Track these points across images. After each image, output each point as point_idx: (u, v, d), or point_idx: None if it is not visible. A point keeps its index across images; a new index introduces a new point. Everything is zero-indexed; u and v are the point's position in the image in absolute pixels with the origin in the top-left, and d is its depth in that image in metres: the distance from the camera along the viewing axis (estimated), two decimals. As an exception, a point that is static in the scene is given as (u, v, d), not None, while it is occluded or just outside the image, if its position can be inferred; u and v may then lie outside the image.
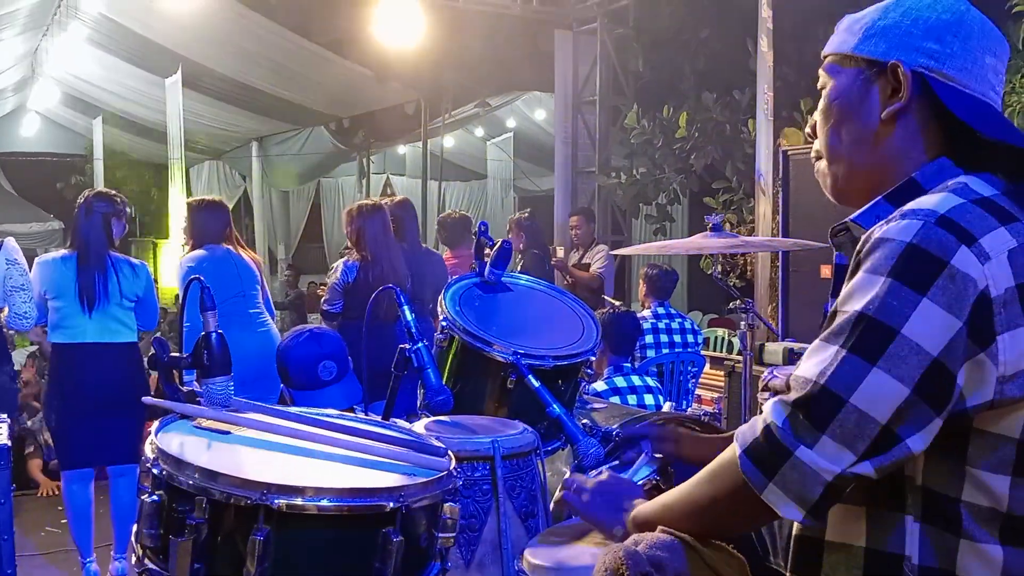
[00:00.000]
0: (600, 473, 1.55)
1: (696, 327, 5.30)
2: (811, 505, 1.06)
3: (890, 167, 1.21)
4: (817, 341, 1.09)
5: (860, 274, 1.07)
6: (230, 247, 4.50)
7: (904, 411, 1.02)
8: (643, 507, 1.36)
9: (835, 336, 1.07)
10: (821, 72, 1.29)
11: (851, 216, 1.21)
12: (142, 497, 1.37)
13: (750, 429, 1.11)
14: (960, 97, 1.17)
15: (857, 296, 1.06)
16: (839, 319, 1.07)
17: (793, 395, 1.07)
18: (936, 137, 1.19)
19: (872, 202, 1.20)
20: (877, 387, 1.02)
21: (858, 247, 1.10)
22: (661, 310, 5.17)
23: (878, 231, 1.08)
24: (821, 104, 1.29)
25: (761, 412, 1.12)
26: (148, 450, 1.42)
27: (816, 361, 1.07)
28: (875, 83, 1.21)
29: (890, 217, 1.09)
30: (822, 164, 1.30)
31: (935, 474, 1.09)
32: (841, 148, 1.26)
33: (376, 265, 4.56)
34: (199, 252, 4.41)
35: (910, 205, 1.09)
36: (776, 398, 1.09)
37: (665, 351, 4.99)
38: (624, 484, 1.50)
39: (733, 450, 1.13)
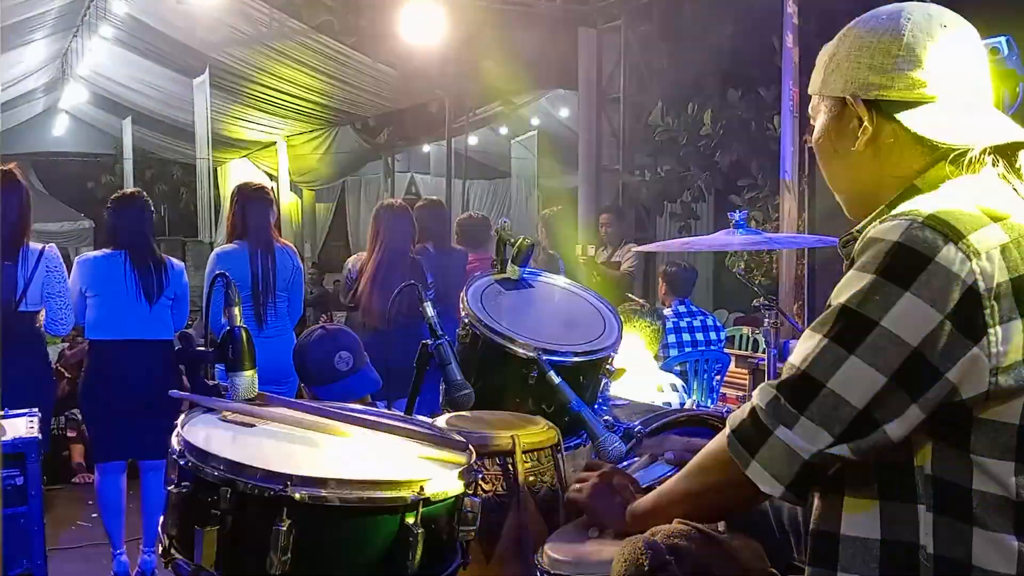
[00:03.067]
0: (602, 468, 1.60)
1: (719, 324, 5.26)
2: (789, 481, 1.12)
3: (887, 186, 1.24)
4: (807, 331, 1.16)
5: (851, 272, 1.13)
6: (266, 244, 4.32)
7: (881, 398, 1.07)
8: (641, 499, 1.43)
9: (820, 326, 1.13)
10: (810, 109, 1.33)
11: (857, 226, 1.24)
12: (168, 488, 1.40)
13: (740, 411, 1.19)
14: (918, 110, 1.19)
15: (844, 291, 1.12)
16: (827, 312, 1.14)
17: (778, 379, 1.15)
18: (926, 146, 1.21)
19: (876, 211, 1.23)
20: (853, 374, 1.08)
21: (855, 247, 1.15)
22: (682, 308, 5.12)
23: (871, 231, 1.13)
24: (812, 141, 1.33)
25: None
26: (174, 442, 1.45)
27: (802, 349, 1.14)
28: (844, 118, 1.25)
29: (883, 218, 1.14)
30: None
31: (944, 464, 1.10)
32: (838, 181, 1.32)
33: (384, 267, 4.47)
34: (229, 247, 4.35)
35: (901, 207, 1.14)
36: (765, 382, 1.17)
37: (688, 350, 4.95)
38: (623, 478, 1.54)
39: (723, 432, 1.20)
